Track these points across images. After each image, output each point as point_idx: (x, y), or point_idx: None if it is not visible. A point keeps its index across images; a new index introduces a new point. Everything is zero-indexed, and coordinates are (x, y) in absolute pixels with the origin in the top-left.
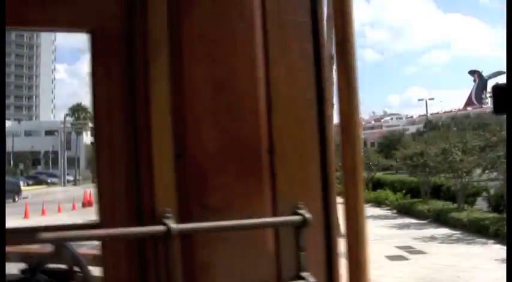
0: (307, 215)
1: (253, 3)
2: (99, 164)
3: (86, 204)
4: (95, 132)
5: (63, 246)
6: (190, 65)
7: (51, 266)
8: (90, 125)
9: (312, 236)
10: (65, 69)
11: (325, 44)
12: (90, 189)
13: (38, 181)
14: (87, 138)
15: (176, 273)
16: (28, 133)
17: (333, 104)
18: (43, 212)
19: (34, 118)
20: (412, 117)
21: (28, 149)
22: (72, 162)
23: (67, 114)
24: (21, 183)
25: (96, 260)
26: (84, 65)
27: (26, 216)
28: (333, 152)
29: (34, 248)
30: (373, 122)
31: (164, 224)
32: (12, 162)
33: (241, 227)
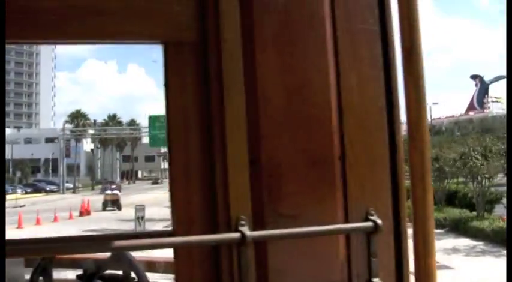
0: (379, 221)
1: (324, 12)
2: (173, 173)
3: (83, 213)
4: (169, 142)
5: (119, 253)
6: (263, 73)
7: (108, 272)
8: (91, 131)
9: (383, 242)
10: (65, 77)
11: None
12: (88, 198)
13: (36, 189)
14: (87, 145)
15: (250, 280)
16: (28, 141)
17: None
18: (37, 221)
19: (34, 126)
20: None
21: (28, 157)
22: (73, 170)
23: (66, 121)
24: (19, 191)
25: (152, 266)
26: (84, 73)
27: (19, 225)
28: (402, 158)
29: (93, 254)
30: None
31: (239, 231)
32: (11, 169)
33: (313, 233)
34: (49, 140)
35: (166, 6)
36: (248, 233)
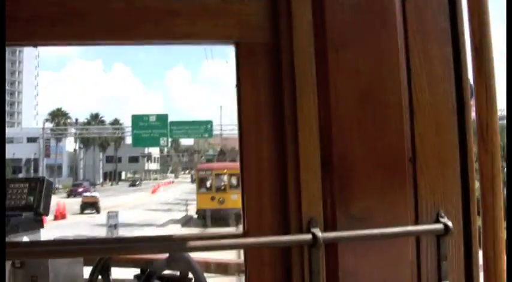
0: (449, 224)
1: (395, 9)
2: (245, 174)
3: (58, 217)
4: (241, 142)
5: (179, 253)
6: (335, 74)
7: (166, 272)
8: (72, 130)
9: (453, 245)
10: (50, 77)
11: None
12: (65, 200)
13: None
14: (70, 145)
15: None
16: (10, 140)
17: None
18: None
19: (16, 125)
20: None
21: (9, 157)
22: (53, 170)
23: (46, 120)
24: None
25: (209, 267)
26: (69, 72)
27: None
28: (473, 160)
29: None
30: None
31: (311, 233)
32: None
33: (384, 235)
34: (31, 140)
35: (239, 7)
36: (320, 234)
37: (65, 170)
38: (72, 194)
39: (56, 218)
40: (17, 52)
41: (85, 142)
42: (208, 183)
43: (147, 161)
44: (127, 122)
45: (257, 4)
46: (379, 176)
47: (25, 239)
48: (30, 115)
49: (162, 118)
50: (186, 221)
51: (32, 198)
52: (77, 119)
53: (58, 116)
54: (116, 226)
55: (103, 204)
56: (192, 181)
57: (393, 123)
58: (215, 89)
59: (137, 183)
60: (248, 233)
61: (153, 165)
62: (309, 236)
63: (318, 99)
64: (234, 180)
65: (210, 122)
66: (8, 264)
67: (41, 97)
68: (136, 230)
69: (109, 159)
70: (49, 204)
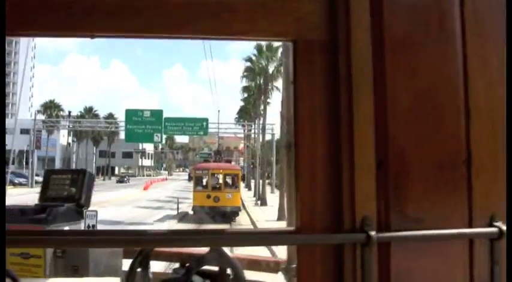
0: (503, 228)
1: (453, 13)
2: (299, 172)
3: None
4: (296, 140)
5: (218, 249)
6: (392, 74)
7: (205, 267)
8: (63, 123)
9: (506, 249)
10: (47, 70)
11: None
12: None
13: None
14: (64, 138)
15: (373, 281)
16: None
17: None
18: None
19: (10, 116)
20: None
21: None
22: (48, 163)
23: (38, 111)
24: None
25: (249, 264)
26: (67, 67)
27: None
28: None
29: (188, 248)
30: None
31: (364, 232)
32: None
33: (438, 237)
34: (24, 131)
35: (298, 5)
36: (373, 234)
37: (57, 162)
38: None
39: None
40: (13, 43)
41: (78, 135)
42: (204, 182)
43: (141, 157)
44: (121, 117)
45: (315, 2)
46: (433, 177)
47: (66, 229)
48: (25, 107)
49: (157, 114)
50: (182, 217)
51: (73, 190)
52: (69, 112)
53: (50, 107)
54: (93, 227)
55: (93, 199)
56: (189, 179)
57: (449, 125)
58: (213, 89)
59: (125, 179)
60: (300, 230)
61: (147, 162)
62: (362, 235)
63: (374, 99)
64: (228, 180)
65: (205, 120)
66: (49, 253)
67: (37, 89)
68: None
69: (102, 154)
70: (90, 196)
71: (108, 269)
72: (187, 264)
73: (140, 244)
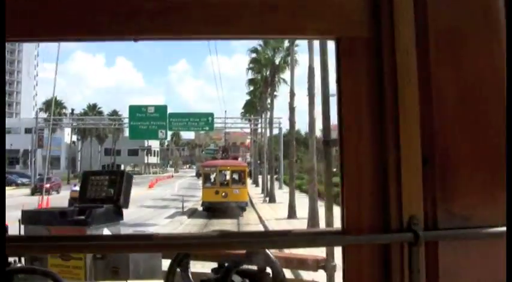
0: None
1: (498, 10)
2: (345, 170)
3: None
4: (341, 139)
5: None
6: (436, 70)
7: (243, 266)
8: (66, 121)
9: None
10: (52, 69)
11: None
12: (47, 196)
13: (6, 182)
14: (69, 137)
15: (421, 280)
16: (8, 131)
17: None
18: None
19: (15, 115)
20: None
21: (7, 148)
22: (53, 162)
23: (40, 109)
24: None
25: (288, 263)
26: (72, 65)
27: None
28: None
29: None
30: None
31: (412, 231)
32: None
33: (485, 235)
34: (29, 131)
35: (340, 2)
36: (421, 232)
37: (63, 162)
38: (37, 190)
39: None
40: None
41: (82, 133)
42: (212, 179)
43: (147, 154)
44: (126, 114)
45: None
46: (480, 174)
47: (105, 230)
48: (29, 106)
49: (161, 109)
50: (192, 213)
51: (112, 191)
52: (72, 109)
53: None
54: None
55: None
56: (196, 175)
57: (494, 122)
58: (218, 85)
59: None
60: (347, 231)
61: (153, 159)
62: (410, 234)
63: (420, 97)
64: (235, 176)
65: (211, 115)
66: (89, 255)
67: (41, 88)
68: (124, 231)
69: (107, 152)
70: (129, 196)
71: (148, 270)
72: (226, 264)
73: (179, 248)
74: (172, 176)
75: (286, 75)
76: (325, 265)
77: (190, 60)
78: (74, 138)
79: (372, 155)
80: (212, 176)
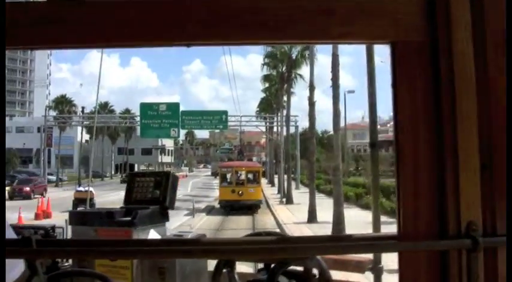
0: None
1: None
2: (401, 176)
3: (40, 216)
4: (397, 143)
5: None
6: (494, 74)
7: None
8: (77, 119)
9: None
10: (68, 69)
11: None
12: (48, 197)
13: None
14: (83, 136)
15: None
16: (20, 130)
17: None
18: None
19: (27, 114)
20: None
21: (19, 146)
22: (66, 162)
23: (49, 107)
24: None
25: (335, 264)
26: (87, 66)
27: None
28: None
29: None
30: (378, 126)
31: (470, 237)
32: None
33: None
34: (40, 130)
35: (395, 6)
36: (480, 239)
37: (75, 161)
38: (15, 194)
39: (37, 217)
40: None
41: (92, 132)
42: (229, 178)
43: (161, 153)
44: (138, 113)
45: (413, 3)
46: None
47: (152, 231)
48: (42, 105)
49: (173, 107)
50: (209, 210)
51: (158, 192)
52: (83, 107)
53: (62, 103)
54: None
55: (102, 199)
56: (212, 174)
57: None
58: (232, 85)
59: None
60: (403, 236)
61: (167, 158)
62: (468, 241)
63: (477, 101)
64: (250, 176)
65: (225, 113)
66: None
67: (55, 88)
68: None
69: (121, 151)
70: (175, 198)
71: (194, 271)
72: (273, 265)
73: (226, 255)
74: (186, 176)
75: (302, 71)
76: (373, 267)
77: (205, 60)
78: (87, 137)
79: (429, 159)
80: (228, 176)
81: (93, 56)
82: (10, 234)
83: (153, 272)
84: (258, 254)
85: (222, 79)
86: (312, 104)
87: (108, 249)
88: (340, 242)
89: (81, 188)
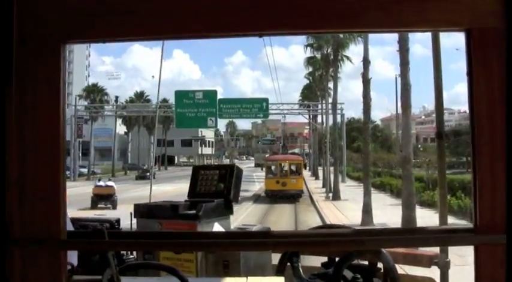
0: None
1: None
2: (478, 166)
3: None
4: (473, 133)
5: None
6: None
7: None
8: (107, 108)
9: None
10: (111, 62)
11: None
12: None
13: None
14: (121, 127)
15: None
16: None
17: None
18: None
19: (67, 106)
20: (465, 112)
21: None
22: (105, 154)
23: (80, 96)
24: None
25: (400, 258)
26: (129, 58)
27: None
28: None
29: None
30: (423, 117)
31: None
32: None
33: None
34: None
35: None
36: None
37: (116, 153)
38: None
39: None
40: None
41: (127, 123)
42: (273, 170)
43: (201, 145)
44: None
45: None
46: None
47: (216, 224)
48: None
49: (210, 95)
50: (256, 199)
51: (222, 185)
52: (117, 97)
53: (93, 92)
54: None
55: (128, 195)
56: (255, 165)
57: None
58: (274, 76)
59: (148, 174)
60: (479, 229)
61: (207, 150)
62: None
63: None
64: (293, 168)
65: (265, 100)
66: None
67: (97, 80)
68: None
69: (160, 143)
70: (239, 191)
71: (259, 264)
72: (337, 259)
73: (288, 246)
74: None
75: (351, 52)
76: (439, 261)
77: (247, 51)
78: (124, 128)
79: (507, 149)
80: (273, 168)
81: (135, 48)
82: (69, 227)
83: (218, 266)
84: (328, 246)
85: (264, 70)
86: (366, 82)
87: (181, 242)
88: (413, 234)
89: (101, 183)
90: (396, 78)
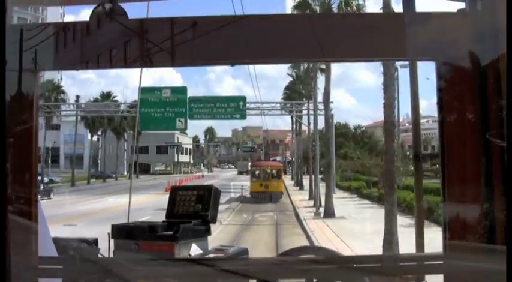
0: None
1: None
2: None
3: None
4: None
5: None
6: None
7: None
8: (65, 110)
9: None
10: (92, 70)
11: None
12: None
13: None
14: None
15: None
16: None
17: None
18: None
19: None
20: None
21: None
22: (76, 161)
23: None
24: None
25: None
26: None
27: None
28: None
29: None
30: (407, 124)
31: None
32: None
33: None
34: (53, 127)
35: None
36: None
37: (86, 161)
38: None
39: None
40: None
41: (90, 126)
42: (257, 175)
43: (177, 152)
44: None
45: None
46: None
47: (194, 246)
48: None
49: (179, 91)
50: (242, 200)
51: (200, 206)
52: (77, 96)
53: (48, 90)
54: None
55: (61, 211)
56: (238, 173)
57: None
58: (255, 84)
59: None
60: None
61: (185, 157)
62: None
63: None
64: (274, 172)
65: (242, 99)
66: None
67: (81, 88)
68: None
69: (133, 149)
70: (217, 212)
71: None
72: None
73: (265, 275)
74: (203, 176)
75: None
76: None
77: None
78: (85, 131)
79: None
80: (257, 173)
81: None
82: (51, 249)
83: None
84: (302, 274)
85: (246, 79)
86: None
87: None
88: (385, 262)
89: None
90: (397, 69)
